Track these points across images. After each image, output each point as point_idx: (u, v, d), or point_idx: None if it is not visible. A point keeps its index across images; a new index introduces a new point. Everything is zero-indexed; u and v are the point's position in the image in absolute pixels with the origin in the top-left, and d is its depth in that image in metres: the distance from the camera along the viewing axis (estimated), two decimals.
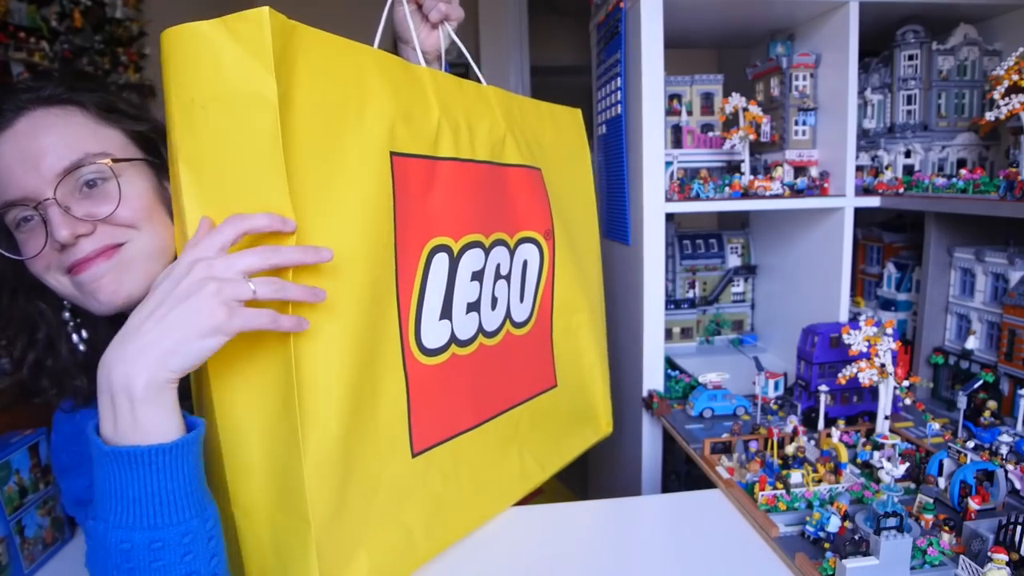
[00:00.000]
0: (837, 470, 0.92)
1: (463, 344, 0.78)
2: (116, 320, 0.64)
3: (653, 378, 1.35)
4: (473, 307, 0.80)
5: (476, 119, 0.81)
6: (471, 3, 3.38)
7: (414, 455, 0.71)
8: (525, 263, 0.88)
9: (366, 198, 0.63)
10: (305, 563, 0.57)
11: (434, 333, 0.74)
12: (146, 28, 2.33)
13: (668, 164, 1.38)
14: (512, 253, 0.86)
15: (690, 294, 1.74)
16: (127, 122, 0.73)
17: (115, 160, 0.69)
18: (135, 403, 0.49)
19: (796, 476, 0.89)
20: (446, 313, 0.75)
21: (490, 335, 0.83)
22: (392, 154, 0.66)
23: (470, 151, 0.78)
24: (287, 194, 0.54)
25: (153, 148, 0.75)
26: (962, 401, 1.03)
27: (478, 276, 0.80)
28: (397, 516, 0.69)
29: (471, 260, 0.78)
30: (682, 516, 0.92)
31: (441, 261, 0.74)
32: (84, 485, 0.76)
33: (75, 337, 0.77)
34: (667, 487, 1.42)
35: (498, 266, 0.83)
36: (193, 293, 0.50)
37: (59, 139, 0.67)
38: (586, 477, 2.20)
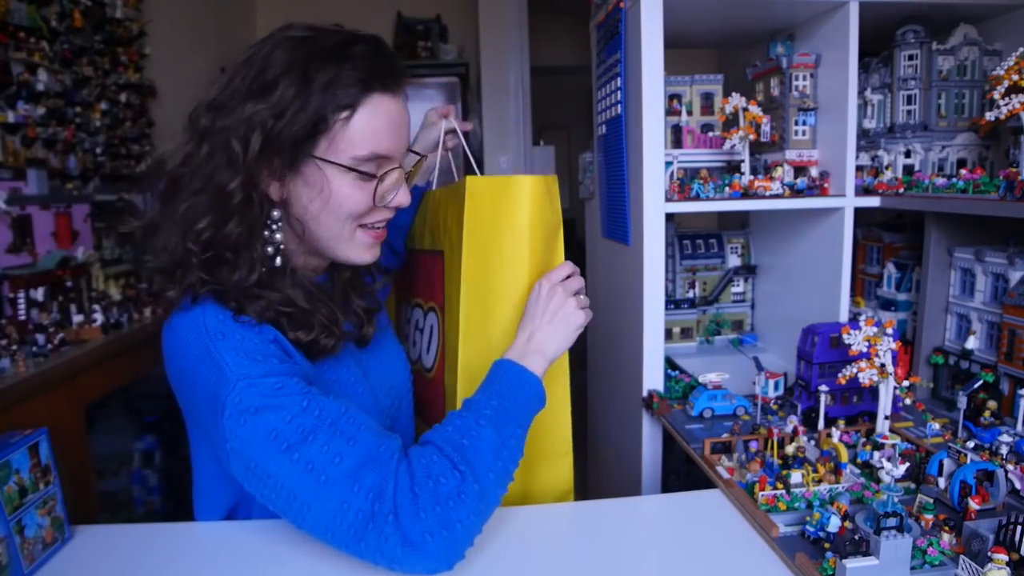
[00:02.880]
0: (837, 470, 0.92)
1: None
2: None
3: (653, 378, 1.35)
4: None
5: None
6: (471, 3, 3.38)
7: None
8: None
9: None
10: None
11: None
12: (146, 28, 2.33)
13: (668, 164, 1.38)
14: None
15: (690, 294, 1.74)
16: None
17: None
18: (547, 362, 0.88)
19: (796, 476, 0.89)
20: None
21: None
22: None
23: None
24: (560, 253, 1.00)
25: None
26: (962, 401, 1.03)
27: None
28: None
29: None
30: (682, 516, 0.92)
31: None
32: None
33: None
34: (667, 487, 1.42)
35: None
36: (567, 306, 0.90)
37: (407, 125, 0.84)
38: (586, 477, 2.20)
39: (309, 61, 0.75)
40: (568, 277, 0.94)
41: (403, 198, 0.84)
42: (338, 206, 0.79)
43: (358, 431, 0.72)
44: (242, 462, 0.71)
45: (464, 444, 0.74)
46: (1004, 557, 0.68)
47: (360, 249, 0.84)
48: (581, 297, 0.93)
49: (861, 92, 1.41)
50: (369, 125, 0.77)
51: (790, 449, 0.97)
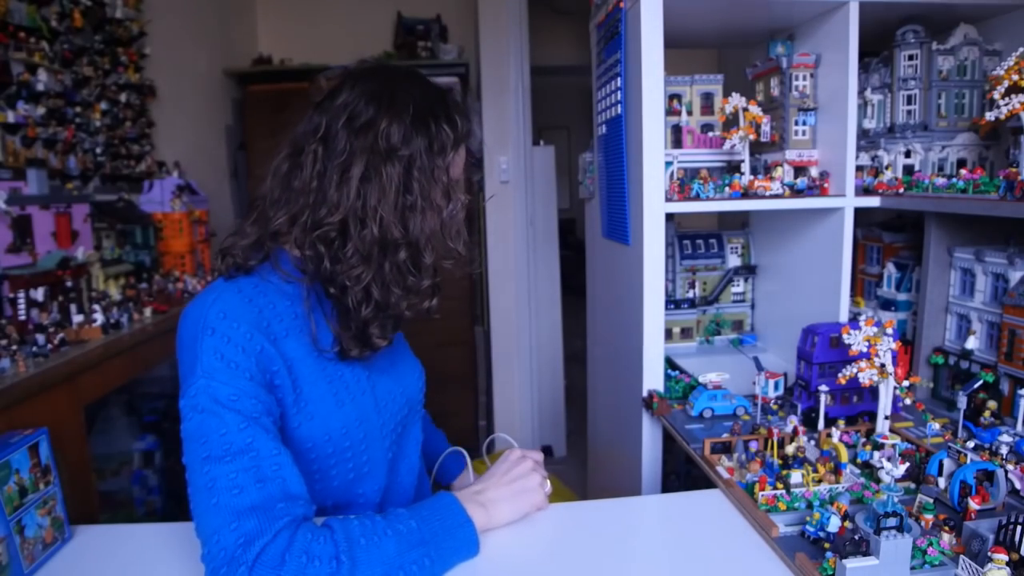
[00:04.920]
0: (837, 470, 0.92)
1: None
2: None
3: (653, 378, 1.35)
4: None
5: None
6: (471, 3, 3.38)
7: None
8: None
9: None
10: None
11: None
12: (146, 28, 2.33)
13: (668, 164, 1.38)
14: None
15: (690, 294, 1.74)
16: None
17: None
18: (487, 520, 0.86)
19: (796, 476, 0.89)
20: None
21: None
22: None
23: None
24: None
25: None
26: (962, 401, 1.03)
27: None
28: None
29: None
30: (682, 516, 0.92)
31: None
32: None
33: None
34: (667, 487, 1.42)
35: None
36: (530, 480, 0.92)
37: None
38: (586, 477, 2.20)
39: (452, 106, 0.90)
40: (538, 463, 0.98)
41: None
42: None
43: (273, 479, 0.74)
44: (183, 448, 0.76)
45: (360, 543, 0.74)
46: (1004, 557, 0.68)
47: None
48: (547, 482, 0.95)
49: (861, 92, 1.41)
50: (461, 159, 0.92)
51: (790, 449, 0.97)
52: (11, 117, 1.65)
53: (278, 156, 0.88)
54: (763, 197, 1.34)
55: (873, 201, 1.34)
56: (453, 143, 0.87)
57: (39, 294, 1.53)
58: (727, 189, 1.34)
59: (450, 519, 0.81)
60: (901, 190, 1.31)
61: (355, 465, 0.87)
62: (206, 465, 0.73)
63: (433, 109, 0.86)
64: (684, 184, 1.34)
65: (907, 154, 1.39)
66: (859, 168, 1.40)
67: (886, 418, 1.06)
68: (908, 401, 1.09)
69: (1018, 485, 0.88)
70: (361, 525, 0.76)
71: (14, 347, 1.34)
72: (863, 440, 1.04)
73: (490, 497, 0.87)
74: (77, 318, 1.57)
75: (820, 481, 0.90)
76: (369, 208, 0.82)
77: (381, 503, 0.92)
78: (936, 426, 1.05)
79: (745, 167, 1.40)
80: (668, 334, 1.65)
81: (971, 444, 0.97)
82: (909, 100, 1.37)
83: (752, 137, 1.37)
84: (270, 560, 0.70)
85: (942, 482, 0.89)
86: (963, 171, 1.24)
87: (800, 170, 1.45)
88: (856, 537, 0.73)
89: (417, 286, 0.87)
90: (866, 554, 0.71)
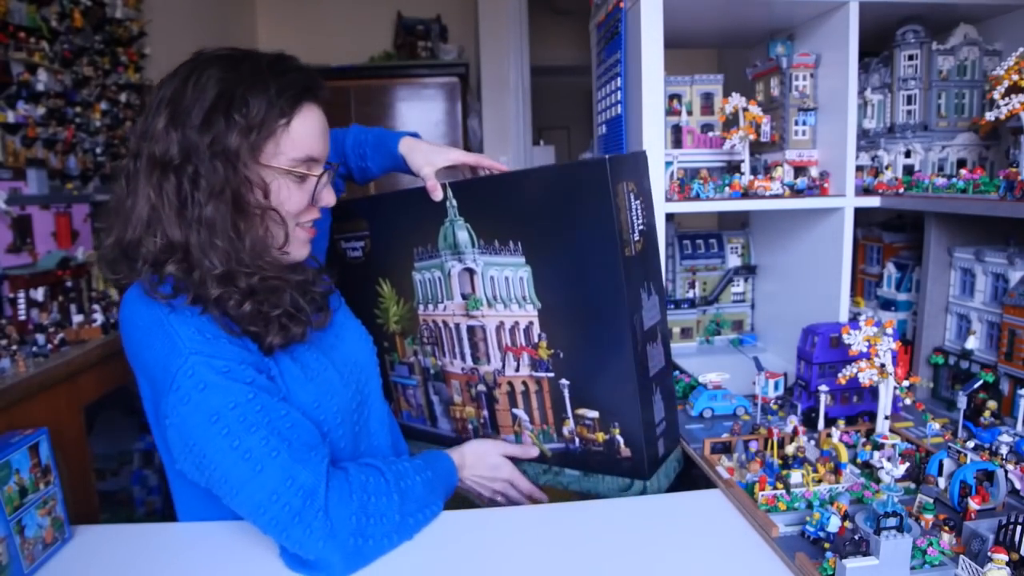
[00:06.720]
0: (837, 470, 0.92)
1: None
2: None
3: None
4: None
5: None
6: (471, 3, 3.38)
7: None
8: None
9: None
10: None
11: None
12: (146, 28, 2.33)
13: (668, 164, 1.38)
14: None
15: (690, 294, 1.74)
16: None
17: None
18: (463, 481, 1.03)
19: (796, 476, 0.89)
20: None
21: None
22: None
23: None
24: None
25: None
26: (962, 401, 1.03)
27: None
28: None
29: None
30: (682, 516, 0.92)
31: None
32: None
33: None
34: (667, 487, 1.42)
35: None
36: (500, 481, 1.06)
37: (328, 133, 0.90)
38: None
39: (260, 76, 0.81)
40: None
41: (329, 198, 0.92)
42: (280, 206, 0.85)
43: (294, 433, 0.78)
44: (181, 439, 0.76)
45: (402, 484, 0.85)
46: (1004, 557, 0.68)
47: (298, 245, 0.90)
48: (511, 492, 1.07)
49: (861, 92, 1.41)
50: (304, 130, 0.84)
51: (790, 449, 0.97)
52: (11, 117, 1.65)
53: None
54: (763, 197, 1.34)
55: (873, 201, 1.34)
56: (259, 133, 0.80)
57: (39, 294, 1.53)
58: (727, 189, 1.34)
59: (447, 473, 0.97)
60: (901, 190, 1.31)
61: (331, 440, 0.88)
62: (232, 440, 0.74)
63: (228, 101, 0.79)
64: (684, 184, 1.34)
65: (907, 154, 1.39)
66: (859, 168, 1.40)
67: (886, 418, 1.06)
68: (908, 401, 1.09)
69: (1018, 485, 0.88)
70: (399, 469, 0.87)
71: (14, 347, 1.34)
72: (863, 440, 1.04)
73: (463, 475, 1.02)
74: (77, 318, 1.57)
75: (820, 481, 0.90)
76: (161, 230, 0.79)
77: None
78: (936, 426, 1.05)
79: (745, 167, 1.40)
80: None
81: (971, 444, 0.97)
82: (909, 100, 1.37)
83: (752, 137, 1.37)
84: (339, 499, 0.77)
85: (942, 482, 0.89)
86: (963, 171, 1.24)
87: (800, 170, 1.45)
88: (856, 537, 0.73)
89: (278, 299, 0.83)
90: (866, 554, 0.71)
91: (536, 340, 1.01)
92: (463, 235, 1.03)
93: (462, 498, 1.08)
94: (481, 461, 1.05)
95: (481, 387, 1.11)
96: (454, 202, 1.02)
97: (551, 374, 1.01)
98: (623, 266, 0.89)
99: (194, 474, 0.79)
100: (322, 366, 0.89)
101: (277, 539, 0.77)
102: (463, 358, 1.11)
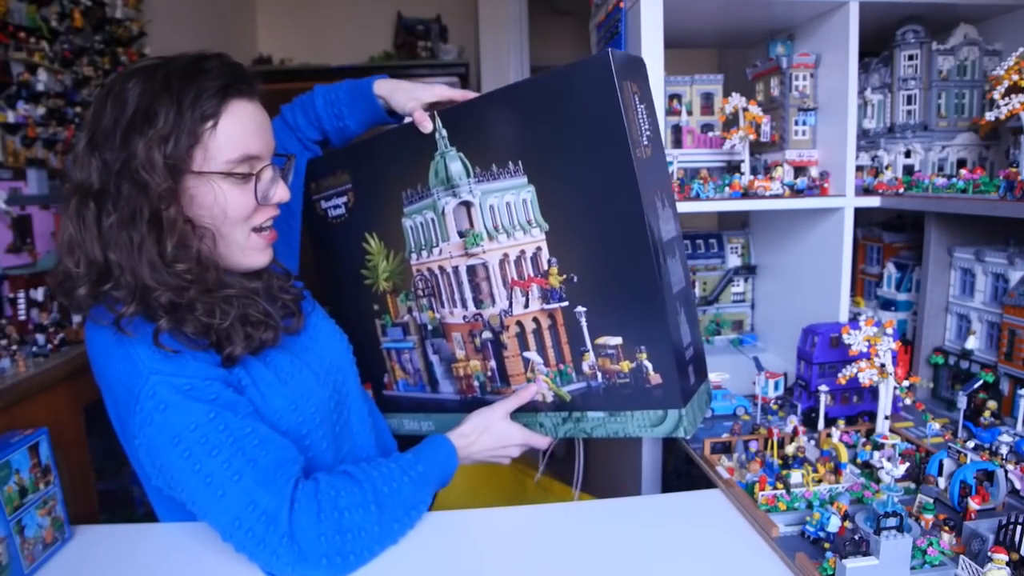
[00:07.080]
0: (837, 470, 0.92)
1: None
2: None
3: None
4: None
5: None
6: (471, 3, 3.38)
7: None
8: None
9: None
10: None
11: None
12: (146, 28, 2.33)
13: (668, 164, 1.38)
14: None
15: None
16: None
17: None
18: (471, 460, 0.99)
19: (796, 476, 0.89)
20: None
21: None
22: None
23: None
24: None
25: None
26: (962, 401, 1.03)
27: None
28: None
29: None
30: (682, 516, 0.92)
31: None
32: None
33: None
34: (667, 487, 1.42)
35: None
36: (513, 447, 1.00)
37: (270, 126, 0.87)
38: (586, 477, 2.20)
39: (170, 83, 0.77)
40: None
41: (283, 194, 0.88)
42: (222, 212, 0.81)
43: (259, 453, 0.76)
44: (151, 459, 0.76)
45: (384, 491, 0.81)
46: (1004, 557, 0.69)
47: (255, 254, 0.87)
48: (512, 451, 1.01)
49: (861, 92, 1.41)
50: (234, 129, 0.80)
51: (790, 449, 0.97)
52: (11, 117, 1.65)
53: None
54: (763, 197, 1.34)
55: (873, 201, 1.34)
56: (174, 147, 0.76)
57: (39, 294, 1.53)
58: (727, 189, 1.34)
59: (445, 462, 0.93)
60: (901, 190, 1.31)
61: (311, 442, 0.88)
62: (193, 463, 0.73)
63: (142, 116, 0.76)
64: (684, 184, 1.34)
65: (907, 154, 1.39)
66: (859, 168, 1.40)
67: (886, 418, 1.06)
68: (908, 401, 1.09)
69: (1018, 485, 0.88)
70: (380, 474, 0.83)
71: (14, 347, 1.34)
72: (863, 440, 1.04)
73: (470, 453, 0.97)
74: (77, 318, 1.57)
75: (820, 481, 0.90)
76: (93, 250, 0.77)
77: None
78: (936, 426, 1.05)
79: (745, 167, 1.40)
80: None
81: (971, 444, 0.97)
82: (909, 100, 1.37)
83: (752, 137, 1.37)
84: (307, 521, 0.74)
85: (942, 482, 0.89)
86: (963, 171, 1.24)
87: (800, 170, 1.45)
88: (856, 537, 0.73)
89: (226, 309, 0.80)
90: (866, 554, 0.71)
91: (546, 267, 0.91)
92: (456, 166, 0.94)
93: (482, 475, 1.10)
94: (487, 433, 0.97)
95: (486, 334, 1.00)
96: (444, 132, 0.94)
97: (565, 303, 0.91)
98: (636, 167, 0.80)
99: (168, 492, 0.80)
100: (296, 368, 0.88)
101: (251, 559, 0.76)
102: (464, 304, 1.01)
